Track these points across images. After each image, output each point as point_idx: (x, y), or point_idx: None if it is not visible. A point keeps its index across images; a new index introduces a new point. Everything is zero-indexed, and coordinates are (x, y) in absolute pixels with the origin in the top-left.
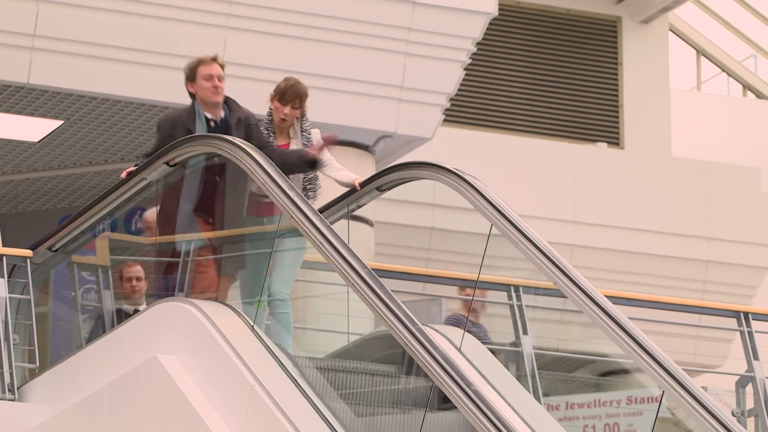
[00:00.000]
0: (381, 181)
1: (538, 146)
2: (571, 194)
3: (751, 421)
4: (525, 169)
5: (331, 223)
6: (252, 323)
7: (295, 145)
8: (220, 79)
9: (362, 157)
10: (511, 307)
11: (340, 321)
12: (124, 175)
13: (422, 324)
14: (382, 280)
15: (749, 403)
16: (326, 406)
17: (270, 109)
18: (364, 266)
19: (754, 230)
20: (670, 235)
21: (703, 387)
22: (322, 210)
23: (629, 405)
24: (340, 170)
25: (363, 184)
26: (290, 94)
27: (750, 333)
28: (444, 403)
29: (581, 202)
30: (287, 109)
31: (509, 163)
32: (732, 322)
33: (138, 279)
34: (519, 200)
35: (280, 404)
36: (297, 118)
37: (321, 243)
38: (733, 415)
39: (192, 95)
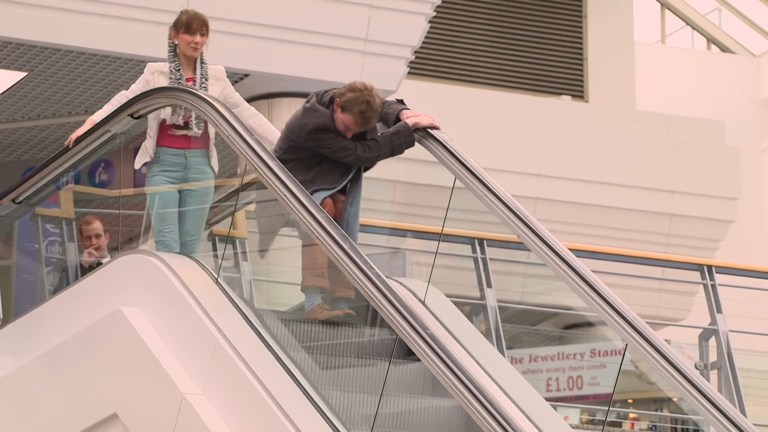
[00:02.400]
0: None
1: (502, 99)
2: (535, 147)
3: (714, 374)
4: (489, 122)
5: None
6: (216, 275)
7: (199, 77)
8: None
9: None
10: (475, 260)
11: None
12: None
13: (386, 276)
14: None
15: (712, 356)
16: (290, 359)
17: (173, 44)
18: (328, 219)
19: (717, 184)
20: (634, 188)
21: (666, 340)
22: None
23: (593, 358)
24: (275, 132)
25: None
26: (197, 23)
27: (713, 286)
28: (408, 355)
29: (545, 156)
30: (197, 38)
31: (473, 116)
32: (695, 276)
33: (97, 236)
34: (483, 153)
35: (244, 357)
36: None
37: (285, 196)
38: (696, 368)
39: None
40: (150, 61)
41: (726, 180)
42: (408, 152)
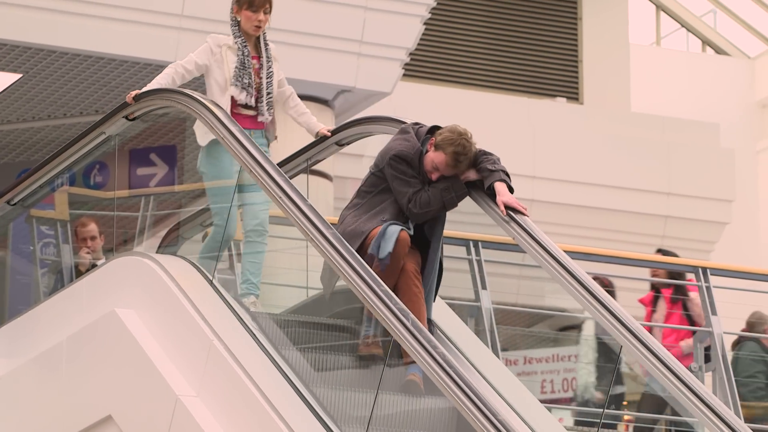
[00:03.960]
0: (341, 136)
1: (498, 101)
2: (531, 149)
3: (708, 376)
4: (484, 124)
5: (291, 178)
6: (211, 277)
7: (266, 59)
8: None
9: (322, 111)
10: (470, 261)
11: (299, 276)
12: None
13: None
14: (337, 233)
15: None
16: (285, 361)
17: (235, 19)
18: (323, 220)
19: (712, 185)
20: (629, 190)
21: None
22: (281, 164)
23: None
24: (308, 114)
25: (322, 139)
26: (259, 0)
27: (708, 288)
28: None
29: (540, 157)
30: (260, 15)
31: (468, 118)
32: (690, 278)
33: (92, 238)
34: None
35: (239, 359)
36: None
37: (280, 197)
38: (691, 370)
39: None
40: (144, 63)
41: (721, 182)
42: None
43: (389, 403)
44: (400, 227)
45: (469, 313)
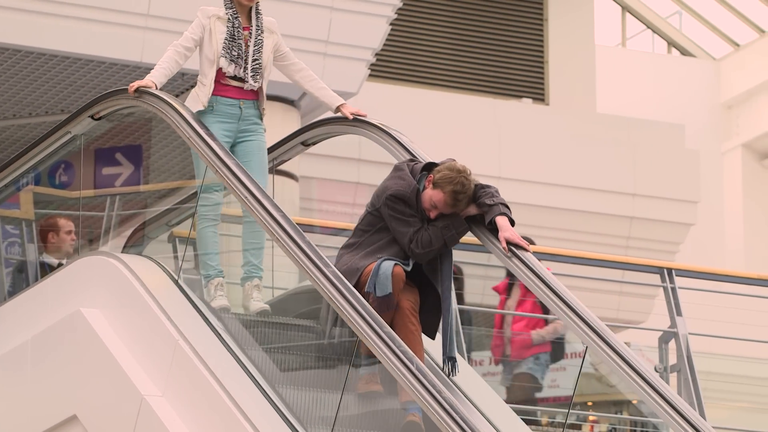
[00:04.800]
0: (307, 136)
1: (463, 102)
2: (496, 150)
3: (673, 377)
4: (450, 125)
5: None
6: (176, 277)
7: (255, 29)
8: None
9: (287, 111)
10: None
11: (265, 275)
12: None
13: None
14: (306, 234)
15: (672, 359)
16: (250, 361)
17: None
18: (288, 221)
19: (677, 186)
20: (595, 191)
21: (626, 343)
22: None
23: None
24: (325, 89)
25: (288, 139)
26: None
27: (673, 289)
28: (369, 356)
29: (506, 158)
30: None
31: (434, 119)
32: (655, 278)
33: (72, 232)
34: (444, 155)
35: (204, 359)
36: None
37: (246, 197)
38: (656, 371)
39: None
40: (110, 62)
41: (686, 183)
42: (369, 154)
43: (356, 404)
44: (394, 263)
45: None
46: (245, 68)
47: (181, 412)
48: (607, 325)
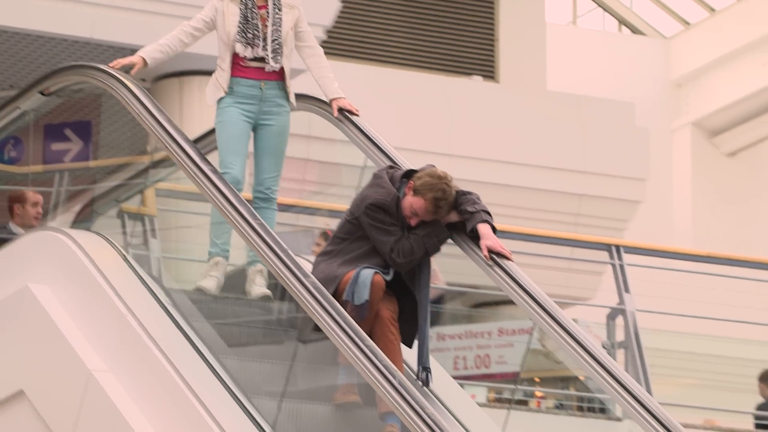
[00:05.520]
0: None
1: (414, 79)
2: (447, 127)
3: (621, 353)
4: (401, 102)
5: (207, 154)
6: (125, 253)
7: (272, 5)
8: None
9: None
10: None
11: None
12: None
13: (295, 254)
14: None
15: (619, 335)
16: (198, 336)
17: None
18: (237, 197)
19: (627, 164)
20: (544, 168)
21: (574, 319)
22: (197, 140)
23: (500, 336)
24: (329, 79)
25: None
26: None
27: (621, 266)
28: (316, 331)
29: (456, 135)
30: None
31: (385, 96)
32: (603, 255)
33: (38, 204)
34: (395, 133)
35: (151, 334)
36: None
37: (195, 174)
38: (604, 347)
39: None
40: (60, 38)
41: (635, 161)
42: (319, 131)
43: (303, 379)
44: (374, 271)
45: None
46: (265, 48)
47: (128, 387)
48: (555, 302)
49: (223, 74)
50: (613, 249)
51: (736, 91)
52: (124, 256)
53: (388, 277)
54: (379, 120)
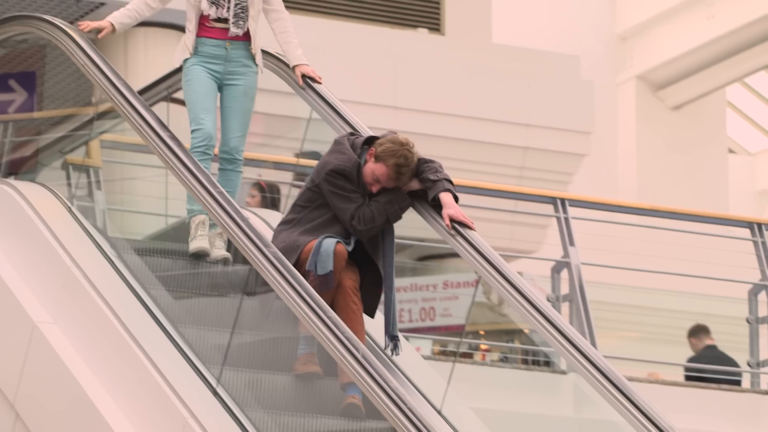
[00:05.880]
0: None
1: (359, 31)
2: (392, 79)
3: (565, 306)
4: (345, 55)
5: (151, 105)
6: (69, 204)
7: None
8: None
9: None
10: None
11: (159, 203)
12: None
13: (240, 207)
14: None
15: (564, 289)
16: (143, 289)
17: None
18: (182, 148)
19: (572, 117)
20: (489, 121)
21: (518, 272)
22: (141, 92)
23: (445, 289)
24: (293, 45)
25: None
26: None
27: (566, 219)
28: (263, 286)
29: (401, 88)
30: None
31: (329, 49)
32: (548, 208)
33: None
34: (339, 85)
35: (96, 286)
36: None
37: (140, 125)
38: (548, 300)
39: None
40: None
41: (580, 114)
42: (265, 83)
43: (249, 333)
44: (336, 240)
45: None
46: (228, 10)
47: (73, 339)
48: (500, 255)
49: (189, 35)
50: (558, 202)
51: (680, 44)
52: (69, 207)
53: (350, 247)
54: (324, 72)
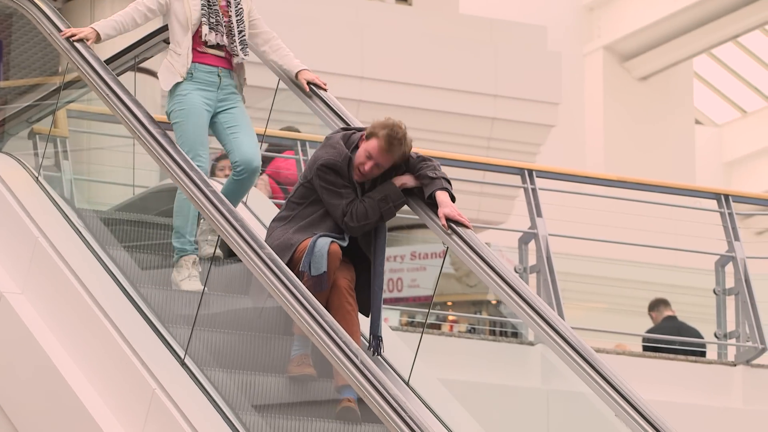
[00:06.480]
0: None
1: (326, 1)
2: (359, 50)
3: (533, 277)
4: (313, 24)
5: (118, 75)
6: (36, 174)
7: None
8: None
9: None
10: (297, 161)
11: (126, 173)
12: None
13: (209, 178)
14: (166, 132)
15: (531, 260)
16: (111, 259)
17: None
18: (149, 118)
19: (539, 88)
20: (457, 91)
21: (486, 243)
22: (108, 61)
23: (413, 260)
24: (290, 57)
25: (150, 36)
26: None
27: (534, 190)
28: (230, 255)
29: (368, 58)
30: None
31: (296, 19)
32: (516, 179)
33: None
34: (306, 55)
35: (64, 256)
36: None
37: (107, 95)
38: (516, 271)
39: None
40: None
41: (547, 85)
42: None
43: (216, 302)
44: (330, 240)
45: None
46: (231, 39)
47: (41, 309)
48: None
49: (179, 59)
50: (526, 173)
51: (647, 15)
52: (36, 177)
53: (344, 243)
54: (291, 42)
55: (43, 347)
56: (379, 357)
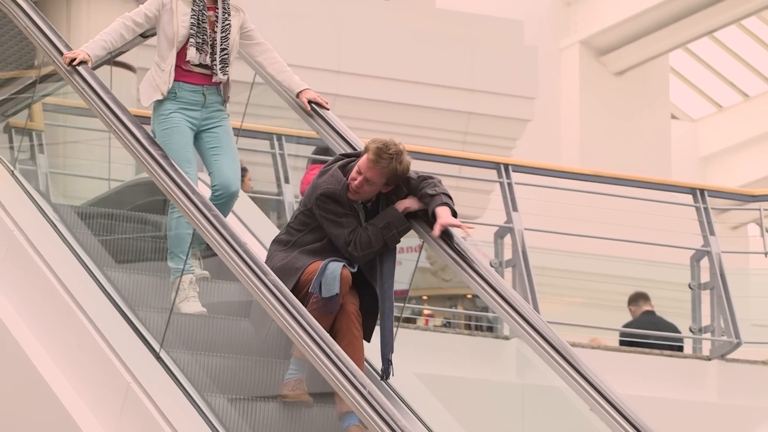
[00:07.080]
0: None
1: None
2: (335, 44)
3: (508, 272)
4: (289, 18)
5: (94, 69)
6: (12, 168)
7: (221, 11)
8: None
9: (125, 3)
10: (274, 156)
11: (101, 167)
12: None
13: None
14: (143, 126)
15: (507, 254)
16: (86, 252)
17: None
18: (126, 112)
19: (515, 83)
20: (433, 86)
21: (462, 237)
22: None
23: None
24: (288, 73)
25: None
26: None
27: (510, 184)
28: (206, 249)
29: (345, 52)
30: None
31: (271, 12)
32: (492, 174)
33: None
34: (284, 49)
35: (38, 249)
36: None
37: (83, 88)
38: (492, 266)
39: None
40: None
41: (523, 79)
42: None
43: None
44: (342, 264)
45: (272, 206)
46: (213, 58)
47: (15, 303)
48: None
49: (162, 75)
50: (502, 167)
51: (624, 10)
52: (12, 171)
53: (353, 270)
54: (268, 37)
55: (17, 340)
56: (386, 386)
